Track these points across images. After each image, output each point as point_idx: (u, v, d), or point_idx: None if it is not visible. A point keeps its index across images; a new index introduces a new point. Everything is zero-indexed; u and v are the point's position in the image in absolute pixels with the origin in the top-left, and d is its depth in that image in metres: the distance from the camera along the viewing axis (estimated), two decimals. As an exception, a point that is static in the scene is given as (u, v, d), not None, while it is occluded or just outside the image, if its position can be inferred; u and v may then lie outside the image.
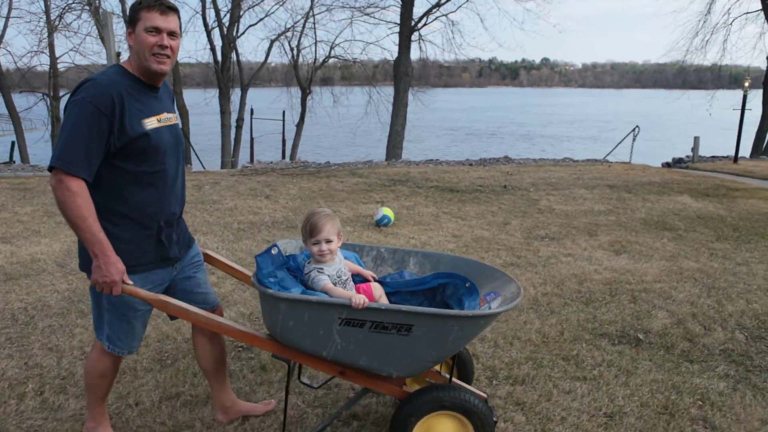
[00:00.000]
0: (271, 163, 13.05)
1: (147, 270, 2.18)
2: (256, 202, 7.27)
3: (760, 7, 20.32)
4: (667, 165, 13.45)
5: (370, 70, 21.44)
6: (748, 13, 21.30)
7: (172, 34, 2.11)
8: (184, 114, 17.61)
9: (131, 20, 2.11)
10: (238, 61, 20.02)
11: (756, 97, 21.37)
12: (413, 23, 16.18)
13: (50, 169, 1.96)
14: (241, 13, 19.07)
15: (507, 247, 5.42)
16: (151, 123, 2.09)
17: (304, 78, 20.06)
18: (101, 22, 8.78)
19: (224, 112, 19.04)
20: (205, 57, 22.47)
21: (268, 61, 20.12)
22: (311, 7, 18.89)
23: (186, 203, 2.46)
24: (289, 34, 19.36)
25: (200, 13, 18.07)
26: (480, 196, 8.08)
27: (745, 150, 19.62)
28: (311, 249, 2.25)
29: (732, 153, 12.74)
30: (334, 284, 2.23)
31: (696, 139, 12.79)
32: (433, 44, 31.85)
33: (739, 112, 12.33)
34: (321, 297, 2.12)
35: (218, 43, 18.78)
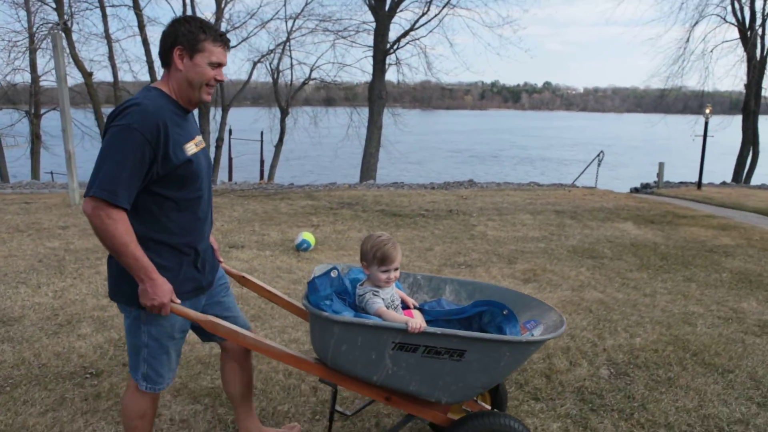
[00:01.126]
0: (236, 183, 13.07)
1: (188, 299, 2.15)
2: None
3: (737, 36, 20.45)
4: (635, 190, 13.38)
5: (350, 91, 21.56)
6: (725, 41, 21.44)
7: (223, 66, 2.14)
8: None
9: (189, 45, 2.03)
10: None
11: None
12: (386, 47, 16.29)
13: (87, 195, 1.89)
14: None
15: (415, 274, 5.33)
16: (190, 148, 2.07)
17: (283, 99, 20.18)
18: (52, 42, 8.83)
19: (203, 132, 19.10)
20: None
21: (252, 80, 20.25)
22: (290, 31, 19.09)
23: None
24: (270, 55, 19.53)
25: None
26: (420, 220, 8.01)
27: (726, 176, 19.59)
28: (379, 276, 2.25)
29: (723, 178, 12.66)
30: (387, 308, 2.23)
31: (661, 165, 12.74)
32: (409, 66, 31.69)
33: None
34: (376, 320, 2.10)
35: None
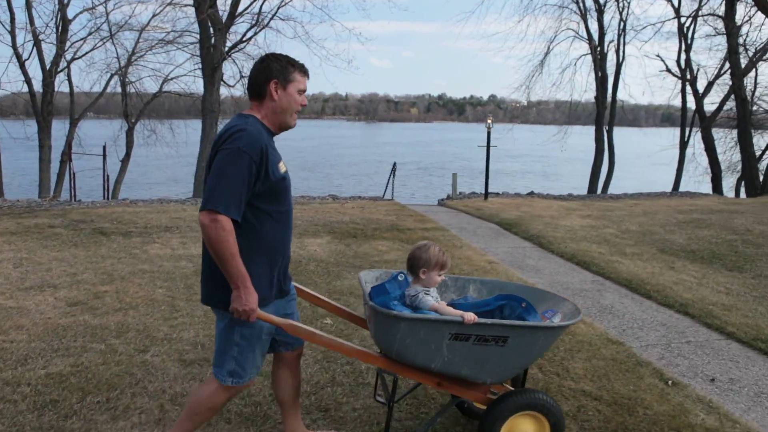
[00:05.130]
0: (18, 201, 12.42)
1: (272, 301, 2.45)
2: None
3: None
4: (441, 201, 13.37)
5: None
6: (583, 55, 22.02)
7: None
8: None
9: (283, 78, 2.37)
10: (71, 91, 19.46)
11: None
12: (215, 62, 15.92)
13: (204, 209, 2.18)
14: (66, 48, 18.61)
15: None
16: (282, 168, 2.39)
17: (133, 111, 19.55)
18: None
19: (43, 146, 18.32)
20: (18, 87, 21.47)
21: (95, 91, 19.53)
22: (137, 42, 18.57)
23: None
24: (114, 66, 18.90)
25: (10, 44, 17.47)
26: (105, 239, 7.61)
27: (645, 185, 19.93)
28: (434, 278, 2.66)
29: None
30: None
31: (454, 176, 12.75)
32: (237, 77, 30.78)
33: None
34: (435, 315, 2.47)
35: (37, 75, 18.19)
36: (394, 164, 13.10)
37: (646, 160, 26.80)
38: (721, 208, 11.98)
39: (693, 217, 10.53)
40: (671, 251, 7.61)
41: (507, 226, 9.19)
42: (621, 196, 13.90)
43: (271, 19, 16.17)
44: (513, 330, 2.42)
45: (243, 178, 2.19)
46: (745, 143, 16.65)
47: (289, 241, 2.51)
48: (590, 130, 22.09)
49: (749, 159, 16.55)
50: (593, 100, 21.42)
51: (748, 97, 21.54)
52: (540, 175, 40.37)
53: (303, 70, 2.40)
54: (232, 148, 2.20)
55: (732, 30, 16.31)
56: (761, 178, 17.24)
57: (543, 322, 2.63)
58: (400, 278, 2.67)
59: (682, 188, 20.23)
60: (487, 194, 12.43)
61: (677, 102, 22.96)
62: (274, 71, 2.35)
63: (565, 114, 25.96)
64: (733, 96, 18.98)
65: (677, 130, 22.57)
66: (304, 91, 2.41)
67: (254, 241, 2.32)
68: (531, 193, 13.90)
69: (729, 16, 16.64)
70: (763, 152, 20.28)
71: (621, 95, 21.58)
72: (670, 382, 3.68)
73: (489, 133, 12.20)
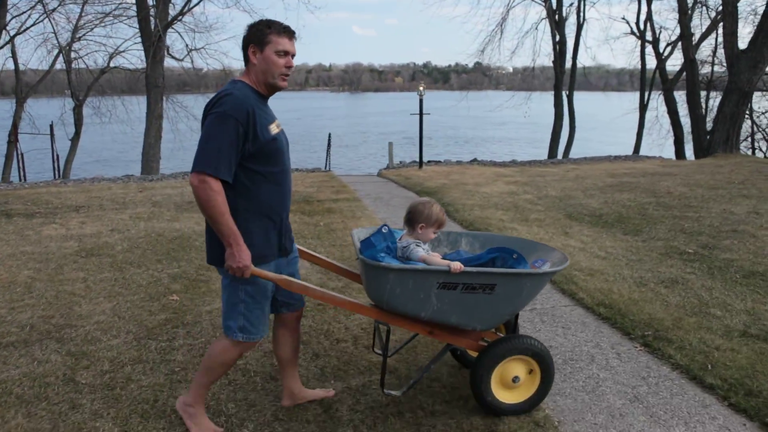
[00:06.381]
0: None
1: (273, 259, 2.52)
2: None
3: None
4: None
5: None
6: (543, 19, 21.62)
7: (293, 56, 2.47)
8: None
9: (258, 41, 2.41)
10: (17, 69, 18.95)
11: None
12: (154, 36, 15.51)
13: (194, 171, 2.26)
14: (7, 21, 18.04)
15: None
16: (273, 129, 2.44)
17: (81, 88, 19.10)
18: None
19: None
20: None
21: (41, 69, 19.03)
22: (79, 16, 18.02)
23: None
24: (61, 41, 18.37)
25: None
26: (6, 220, 7.49)
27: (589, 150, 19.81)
28: (429, 234, 2.76)
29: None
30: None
31: (390, 145, 12.61)
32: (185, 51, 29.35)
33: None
34: (423, 266, 2.53)
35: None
36: (329, 135, 12.92)
37: (612, 124, 26.61)
38: (657, 170, 11.96)
39: (622, 180, 10.51)
40: (578, 216, 7.58)
41: (425, 195, 9.12)
42: (564, 161, 13.84)
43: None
44: (499, 277, 2.49)
45: (231, 140, 2.26)
46: (693, 105, 16.55)
47: (287, 201, 2.56)
48: (576, 94, 21.67)
49: (697, 120, 16.47)
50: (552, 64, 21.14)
51: (709, 59, 21.44)
52: (525, 142, 40.00)
53: (280, 31, 2.40)
54: (218, 112, 2.28)
55: (682, -11, 16.03)
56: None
57: (531, 269, 2.70)
58: (384, 230, 2.77)
59: (646, 152, 20.18)
60: (421, 163, 12.31)
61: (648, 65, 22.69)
62: (251, 36, 2.42)
63: (551, 80, 25.55)
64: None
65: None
66: (287, 52, 2.41)
67: (249, 202, 2.39)
68: (473, 161, 13.80)
69: (680, -25, 16.34)
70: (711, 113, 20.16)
71: (584, 60, 21.19)
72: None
73: (421, 101, 12.00)
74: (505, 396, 2.75)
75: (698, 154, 15.99)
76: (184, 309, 4.34)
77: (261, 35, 2.40)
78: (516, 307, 2.63)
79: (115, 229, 6.95)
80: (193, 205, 8.46)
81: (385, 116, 65.66)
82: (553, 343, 3.78)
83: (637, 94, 23.55)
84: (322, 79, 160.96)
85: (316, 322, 4.04)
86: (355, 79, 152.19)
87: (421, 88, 11.90)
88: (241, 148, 2.32)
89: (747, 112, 21.44)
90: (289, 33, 2.43)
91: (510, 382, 2.72)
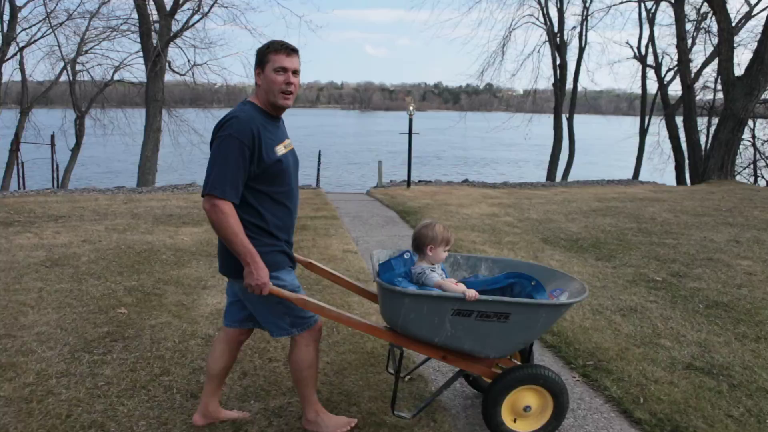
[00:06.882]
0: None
1: (285, 268, 2.57)
2: None
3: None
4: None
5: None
6: (546, 42, 21.71)
7: (295, 72, 2.47)
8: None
9: (260, 62, 2.47)
10: (23, 80, 19.28)
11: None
12: (151, 50, 15.72)
13: (203, 195, 2.35)
14: (17, 34, 18.43)
15: None
16: (280, 150, 2.47)
17: (84, 100, 19.37)
18: None
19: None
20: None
21: (46, 80, 19.34)
22: (86, 30, 18.36)
23: None
24: (66, 54, 18.70)
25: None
26: (-15, 228, 7.54)
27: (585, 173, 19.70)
28: (440, 254, 2.77)
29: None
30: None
31: (380, 164, 12.61)
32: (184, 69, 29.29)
33: (417, 135, 11.68)
34: (438, 291, 2.56)
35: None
36: (319, 152, 12.97)
37: (614, 147, 26.51)
38: (647, 196, 11.86)
39: (609, 205, 10.42)
40: (553, 240, 7.50)
41: (405, 215, 9.08)
42: (555, 184, 13.77)
43: (213, 5, 15.97)
44: (514, 307, 2.49)
45: (237, 163, 2.32)
46: (690, 130, 16.46)
47: (292, 220, 2.61)
48: (579, 117, 21.60)
49: (693, 146, 16.37)
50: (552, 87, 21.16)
51: (711, 85, 21.35)
52: (534, 164, 39.88)
53: (278, 49, 2.44)
54: (224, 135, 2.34)
55: (680, 16, 16.05)
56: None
57: (547, 299, 2.70)
58: (405, 256, 2.83)
59: (647, 177, 20.05)
60: (409, 182, 12.28)
61: (649, 89, 22.65)
62: (256, 59, 2.49)
63: (560, 103, 25.46)
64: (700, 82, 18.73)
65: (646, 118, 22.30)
66: (285, 68, 2.43)
67: (255, 218, 2.45)
68: (465, 181, 13.77)
69: (678, 2, 16.38)
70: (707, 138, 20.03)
71: (585, 83, 21.21)
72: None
73: (411, 120, 12.01)
74: (516, 425, 2.74)
75: (694, 180, 15.87)
76: (129, 322, 4.31)
77: (262, 56, 2.46)
78: (531, 336, 2.62)
79: (87, 240, 6.97)
80: (172, 218, 8.49)
81: (393, 135, 66.09)
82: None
83: (633, 119, 23.50)
84: (333, 97, 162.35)
85: (254, 341, 3.99)
86: (366, 98, 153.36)
87: (411, 108, 11.93)
88: (248, 168, 2.37)
89: (750, 139, 21.35)
90: (287, 50, 2.45)
91: (521, 411, 2.72)
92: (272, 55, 2.43)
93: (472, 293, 2.45)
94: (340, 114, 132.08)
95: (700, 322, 4.57)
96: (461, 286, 2.66)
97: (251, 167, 2.38)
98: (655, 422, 3.00)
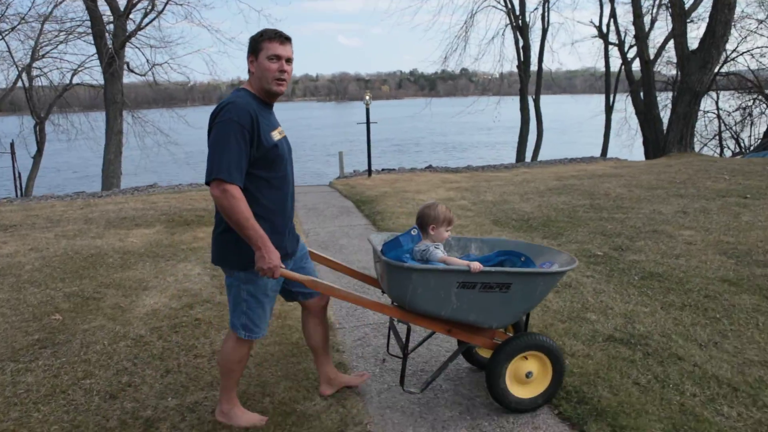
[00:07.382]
0: None
1: (285, 260, 2.60)
2: None
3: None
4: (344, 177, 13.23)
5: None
6: (508, 25, 21.75)
7: (288, 60, 2.51)
8: None
9: (253, 50, 2.50)
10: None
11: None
12: (105, 52, 15.43)
13: (209, 181, 2.33)
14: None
15: None
16: (275, 135, 2.51)
17: (42, 105, 19.00)
18: None
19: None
20: None
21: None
22: (39, 34, 17.96)
23: None
24: (21, 59, 18.30)
25: None
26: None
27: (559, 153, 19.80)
28: (442, 233, 2.86)
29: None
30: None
31: (340, 154, 12.60)
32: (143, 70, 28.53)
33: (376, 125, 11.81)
34: (443, 266, 2.62)
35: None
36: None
37: (586, 126, 26.75)
38: (606, 172, 12.02)
39: (566, 183, 10.54)
40: (504, 221, 7.59)
41: (360, 204, 9.10)
42: (517, 165, 13.89)
43: (166, 4, 15.71)
44: (515, 276, 2.62)
45: (239, 145, 2.33)
46: (650, 105, 16.66)
47: (289, 205, 2.64)
48: (551, 98, 21.75)
49: (654, 121, 16.58)
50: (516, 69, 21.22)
51: (674, 60, 21.58)
52: (512, 147, 40.11)
53: (271, 37, 2.46)
54: (223, 120, 2.34)
55: (636, -8, 16.18)
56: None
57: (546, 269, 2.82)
58: (413, 233, 2.91)
59: (616, 153, 20.27)
60: (370, 172, 12.30)
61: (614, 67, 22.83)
62: (249, 47, 2.52)
63: (534, 84, 25.49)
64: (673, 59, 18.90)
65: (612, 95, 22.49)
66: (279, 56, 2.46)
67: (253, 205, 2.42)
68: (429, 167, 13.82)
69: (634, -22, 16.49)
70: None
71: (549, 63, 21.30)
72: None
73: (368, 110, 12.01)
74: (519, 391, 2.87)
75: (656, 154, 16.09)
76: (62, 328, 4.29)
77: (255, 44, 2.49)
78: (530, 305, 2.75)
79: (34, 248, 6.89)
80: (125, 221, 8.42)
81: (371, 124, 65.69)
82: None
83: (600, 96, 23.70)
84: (309, 89, 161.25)
85: (184, 338, 4.00)
86: (342, 89, 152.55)
87: (367, 98, 11.92)
88: (249, 152, 2.38)
89: (715, 111, 21.68)
90: (280, 38, 2.48)
91: (524, 378, 2.85)
92: (266, 42, 2.46)
93: (476, 265, 2.57)
94: (316, 106, 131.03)
95: (631, 294, 4.68)
96: (464, 261, 2.76)
97: (251, 150, 2.39)
98: (563, 395, 3.07)
